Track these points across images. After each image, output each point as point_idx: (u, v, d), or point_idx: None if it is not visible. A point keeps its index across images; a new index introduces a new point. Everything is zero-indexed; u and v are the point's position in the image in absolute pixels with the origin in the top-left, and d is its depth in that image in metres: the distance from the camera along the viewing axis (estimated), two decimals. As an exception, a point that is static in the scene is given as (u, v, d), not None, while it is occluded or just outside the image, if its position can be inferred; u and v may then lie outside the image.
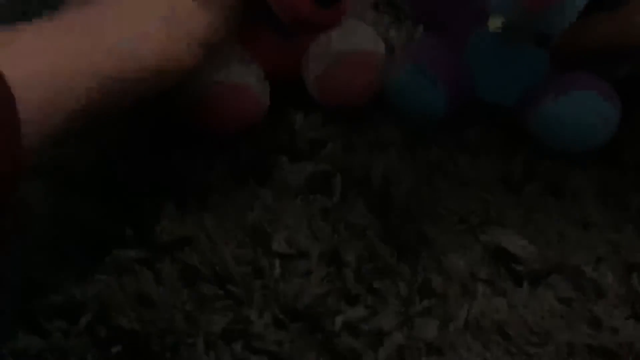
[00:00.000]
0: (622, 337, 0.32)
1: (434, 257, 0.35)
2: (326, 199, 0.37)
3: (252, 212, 0.37)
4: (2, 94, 0.27)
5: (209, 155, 0.39)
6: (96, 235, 0.36)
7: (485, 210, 0.36)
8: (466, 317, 0.33)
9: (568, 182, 0.37)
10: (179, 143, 0.39)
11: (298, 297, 0.33)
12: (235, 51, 0.39)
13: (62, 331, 0.33)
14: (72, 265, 0.35)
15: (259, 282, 0.34)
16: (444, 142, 0.39)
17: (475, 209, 0.36)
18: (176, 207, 0.37)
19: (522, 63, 0.38)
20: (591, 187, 0.37)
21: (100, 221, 0.37)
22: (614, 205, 0.36)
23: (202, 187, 0.38)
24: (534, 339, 0.32)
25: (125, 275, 0.35)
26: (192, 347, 0.32)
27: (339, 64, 0.39)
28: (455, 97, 0.39)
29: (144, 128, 0.40)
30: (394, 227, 0.36)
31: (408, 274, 0.34)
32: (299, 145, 0.40)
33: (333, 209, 0.37)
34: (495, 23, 0.38)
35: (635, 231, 0.35)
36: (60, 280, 0.34)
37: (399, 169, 0.37)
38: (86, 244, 0.36)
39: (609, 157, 0.38)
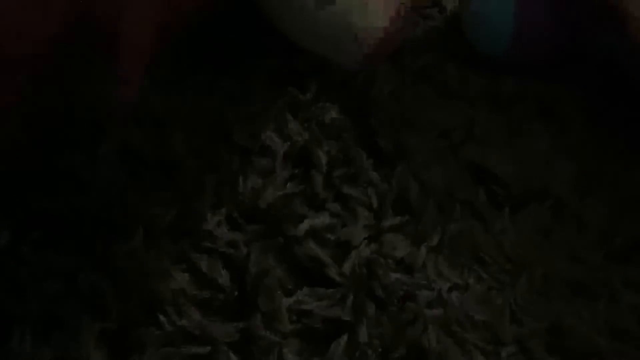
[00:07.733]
0: (598, 274, 0.30)
1: (411, 169, 0.32)
2: (299, 93, 0.33)
3: (210, 97, 0.32)
4: None
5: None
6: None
7: (469, 127, 0.33)
8: (440, 237, 0.30)
9: (558, 108, 0.35)
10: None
11: (258, 196, 0.29)
12: None
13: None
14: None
15: (213, 176, 0.30)
16: (434, 51, 0.35)
17: (458, 124, 0.33)
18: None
19: None
20: (582, 115, 0.35)
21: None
22: (604, 136, 0.35)
23: (152, 61, 0.32)
24: (508, 267, 0.30)
25: (51, 153, 0.29)
26: (130, 240, 0.28)
27: None
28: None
29: None
30: (371, 132, 0.32)
31: (382, 184, 0.31)
32: (274, 36, 0.34)
33: (305, 104, 0.32)
34: None
35: (622, 165, 0.33)
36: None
37: (383, 71, 0.34)
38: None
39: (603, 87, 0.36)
